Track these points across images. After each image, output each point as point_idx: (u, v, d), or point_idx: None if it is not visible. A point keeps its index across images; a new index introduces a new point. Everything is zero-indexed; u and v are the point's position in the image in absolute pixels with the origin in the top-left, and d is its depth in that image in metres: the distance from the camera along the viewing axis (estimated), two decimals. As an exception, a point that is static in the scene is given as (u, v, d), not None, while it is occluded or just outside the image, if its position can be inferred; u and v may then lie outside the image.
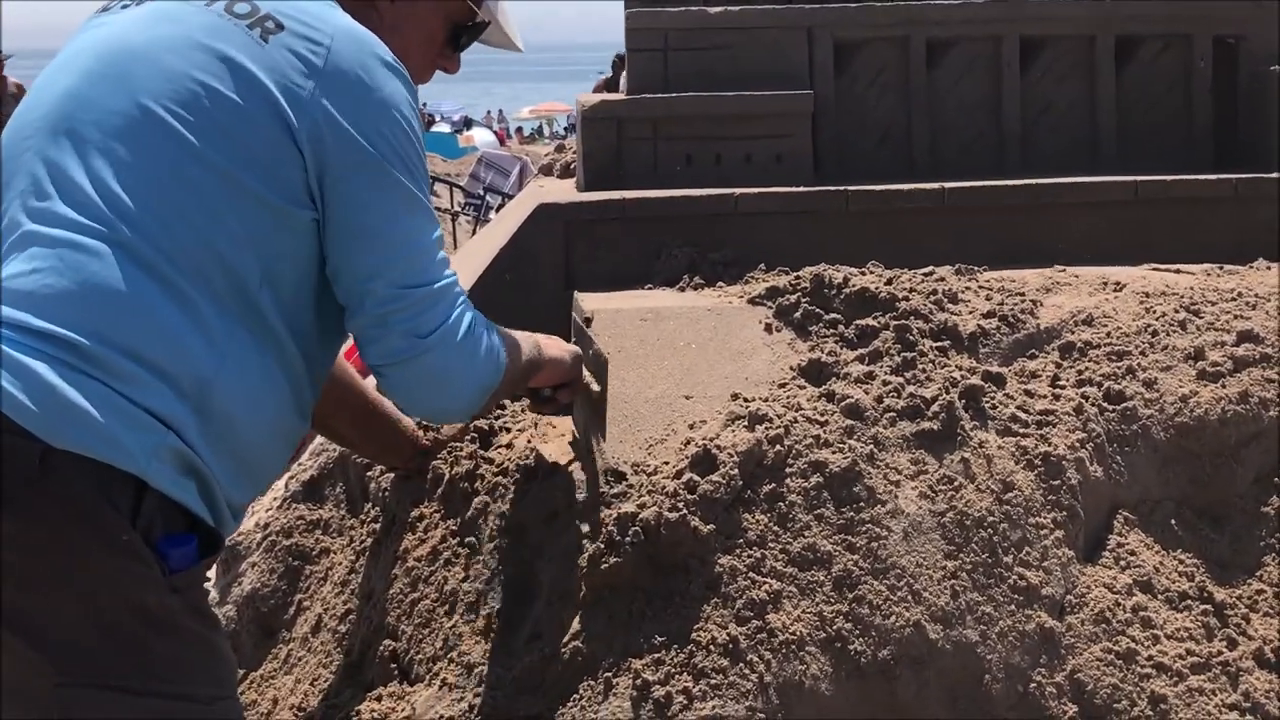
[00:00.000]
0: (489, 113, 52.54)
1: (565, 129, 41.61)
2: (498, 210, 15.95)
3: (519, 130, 47.41)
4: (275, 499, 3.60)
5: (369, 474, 3.38)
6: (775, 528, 2.76)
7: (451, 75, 2.84)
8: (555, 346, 2.94)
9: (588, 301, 3.41)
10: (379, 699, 2.95)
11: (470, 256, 4.25)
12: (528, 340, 2.78)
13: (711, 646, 2.66)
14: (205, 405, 2.19)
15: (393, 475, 3.28)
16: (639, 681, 2.62)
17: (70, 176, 2.23)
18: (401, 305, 2.37)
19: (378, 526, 3.29)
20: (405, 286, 2.38)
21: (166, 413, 2.14)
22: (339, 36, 2.36)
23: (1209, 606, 3.00)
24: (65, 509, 2.06)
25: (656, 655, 2.65)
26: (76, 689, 2.06)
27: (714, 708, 2.62)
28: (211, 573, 3.65)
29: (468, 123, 42.49)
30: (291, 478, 3.57)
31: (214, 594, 3.58)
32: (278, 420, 2.36)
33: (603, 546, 2.71)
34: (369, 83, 2.35)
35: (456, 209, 19.03)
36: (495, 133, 41.14)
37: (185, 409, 2.16)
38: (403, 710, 2.87)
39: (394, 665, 3.01)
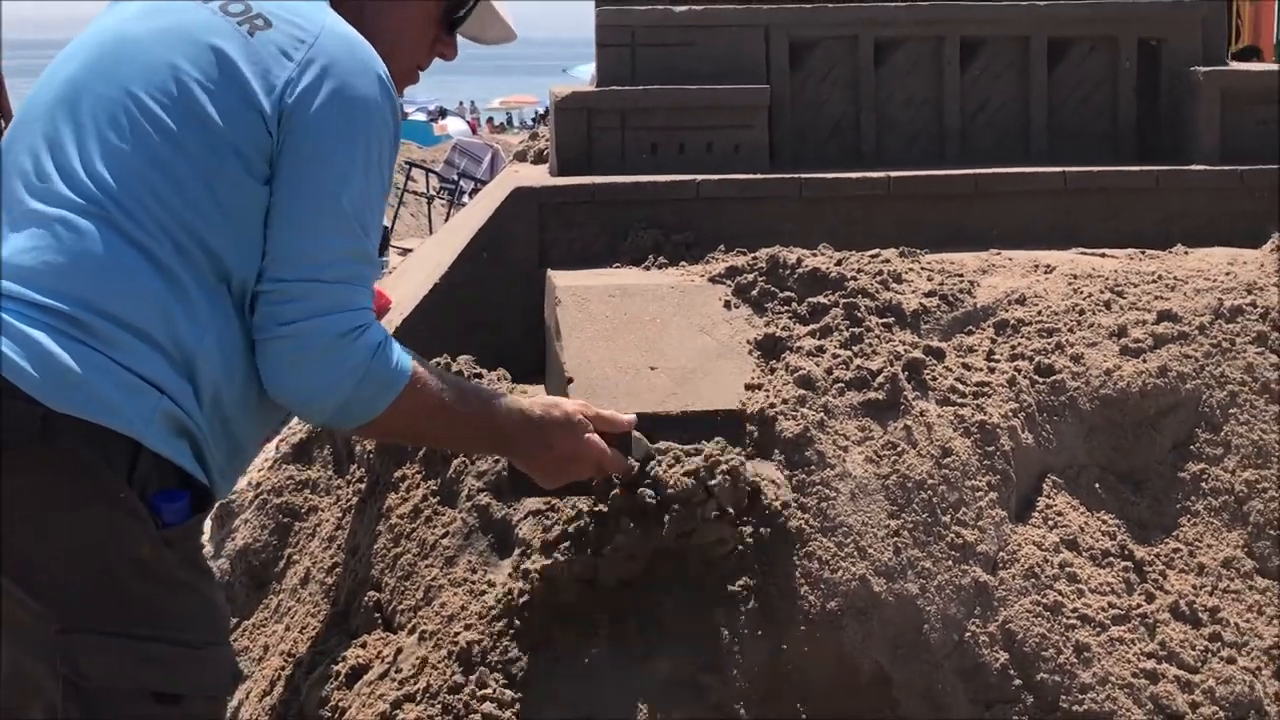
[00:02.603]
0: (461, 103, 52.22)
1: (533, 119, 41.40)
2: (471, 195, 15.90)
3: (490, 120, 47.17)
4: (266, 460, 3.59)
5: (354, 437, 3.38)
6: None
7: (450, 61, 2.71)
8: (540, 432, 2.48)
9: (560, 279, 3.42)
10: (363, 646, 2.96)
11: (449, 236, 4.25)
12: (479, 398, 2.45)
13: (668, 595, 2.68)
14: (193, 373, 2.17)
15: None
16: (608, 625, 2.64)
17: (67, 158, 2.21)
18: (271, 290, 2.22)
19: (362, 486, 3.30)
20: (281, 279, 2.22)
21: (160, 378, 2.13)
22: (324, 35, 2.29)
23: (1129, 563, 3.04)
24: (66, 468, 2.06)
25: (621, 600, 2.67)
26: (76, 634, 2.06)
27: (680, 651, 2.64)
28: (207, 529, 3.65)
29: (442, 112, 42.26)
30: (282, 440, 3.57)
31: (209, 548, 3.58)
32: (260, 396, 2.29)
33: (575, 503, 2.73)
34: (343, 82, 2.26)
35: (432, 193, 18.94)
36: (468, 122, 40.95)
37: (176, 375, 2.15)
38: (386, 655, 2.88)
39: (377, 615, 3.01)
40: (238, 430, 2.27)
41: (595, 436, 2.53)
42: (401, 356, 2.29)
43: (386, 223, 14.85)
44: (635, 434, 2.64)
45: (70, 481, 2.07)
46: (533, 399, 2.56)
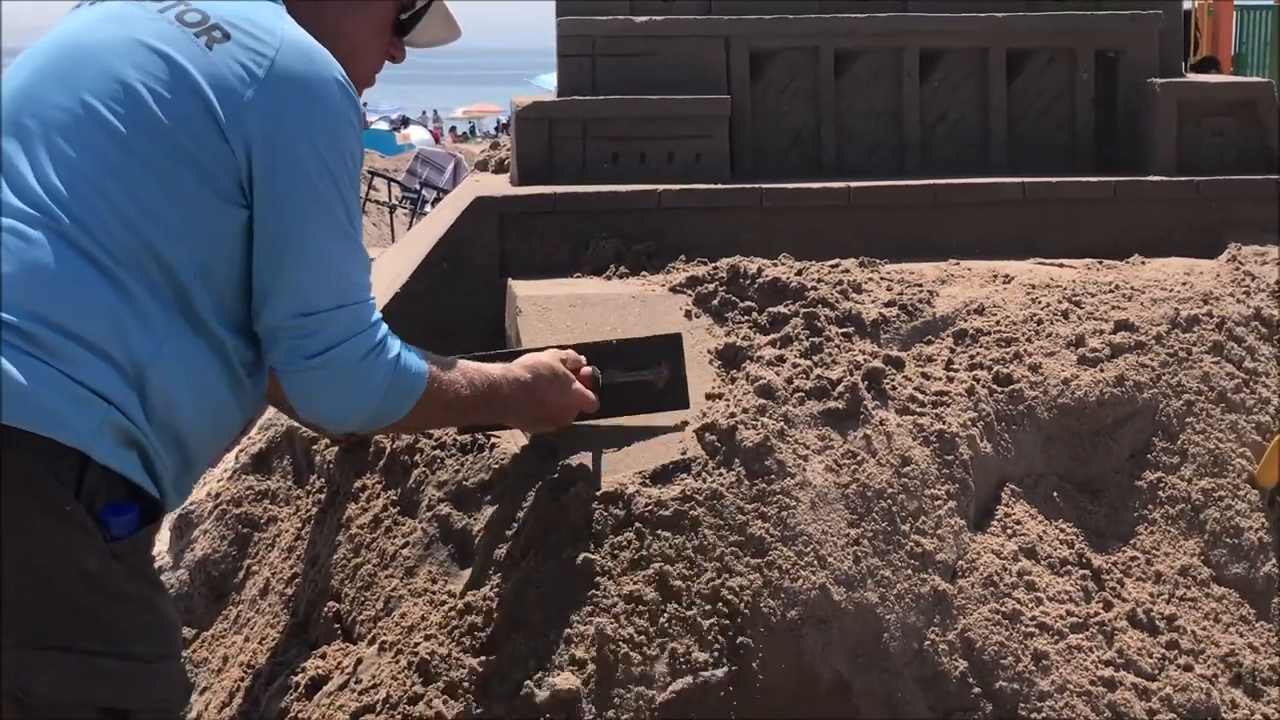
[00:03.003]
0: (424, 112, 52.17)
1: (496, 129, 41.36)
2: (433, 204, 15.86)
3: (453, 129, 47.12)
4: (226, 470, 3.57)
5: (314, 447, 3.37)
6: (698, 496, 2.79)
7: (398, 64, 2.72)
8: (525, 390, 2.68)
9: (520, 288, 3.41)
10: (323, 656, 2.95)
11: (410, 245, 4.24)
12: (482, 377, 2.59)
13: (638, 607, 2.68)
14: (144, 387, 2.15)
15: (336, 449, 3.27)
16: (571, 640, 2.63)
17: (16, 168, 2.18)
18: (292, 326, 2.28)
19: (322, 496, 3.28)
20: (301, 314, 2.28)
21: (109, 390, 2.11)
22: (284, 49, 2.28)
23: (1087, 571, 3.05)
24: (12, 481, 2.04)
25: (585, 614, 2.67)
26: (26, 650, 2.04)
27: (639, 662, 2.64)
28: (166, 540, 3.63)
29: (405, 121, 42.20)
30: (241, 450, 3.55)
31: (168, 559, 3.56)
32: (216, 410, 2.30)
33: (539, 514, 2.73)
34: (309, 97, 2.26)
35: (394, 202, 18.90)
36: (431, 131, 40.88)
37: (126, 388, 2.13)
38: (346, 666, 2.87)
39: (337, 625, 3.00)
40: (191, 444, 2.26)
41: (579, 385, 2.75)
42: (418, 362, 2.43)
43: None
44: (594, 369, 2.84)
45: (16, 495, 2.04)
46: (518, 360, 2.70)
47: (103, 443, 2.09)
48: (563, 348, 2.81)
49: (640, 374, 2.89)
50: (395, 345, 2.39)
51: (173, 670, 2.23)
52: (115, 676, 2.10)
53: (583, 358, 2.81)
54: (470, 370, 2.58)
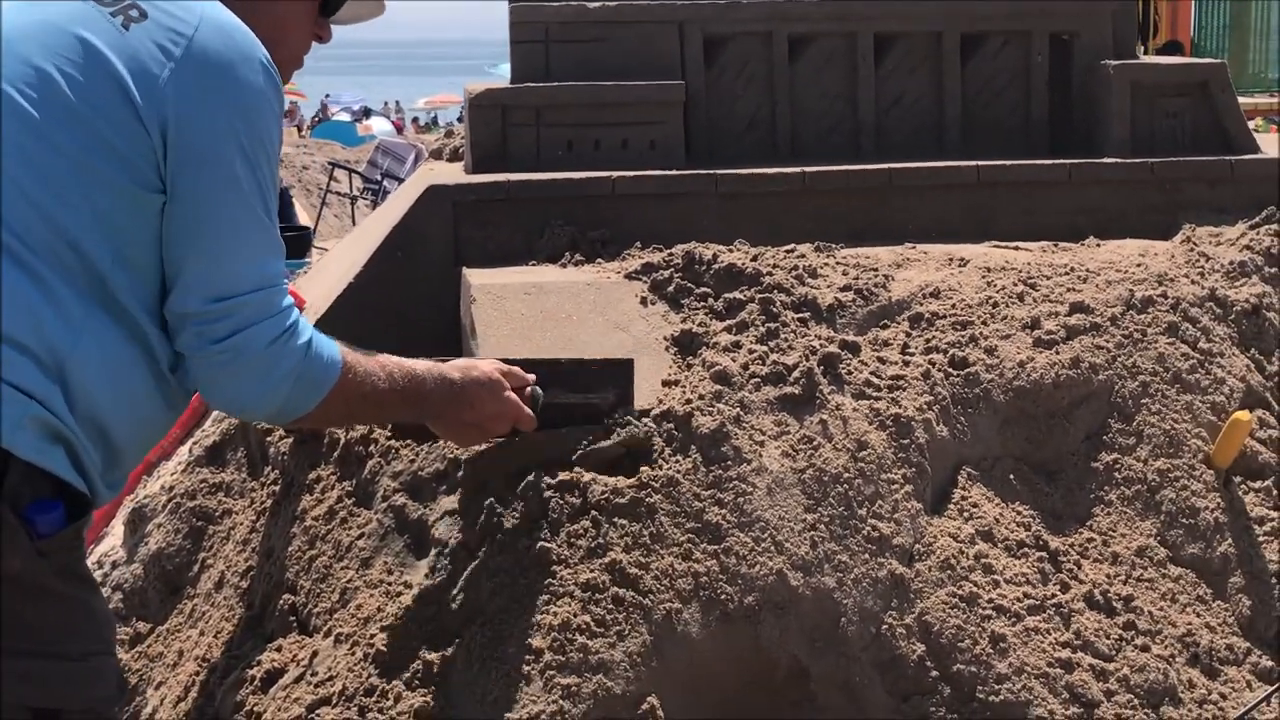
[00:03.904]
0: (386, 103, 51.94)
1: (458, 119, 41.18)
2: (394, 194, 15.77)
3: (415, 120, 46.91)
4: (179, 463, 3.54)
5: (269, 439, 3.34)
6: (654, 484, 2.77)
7: (325, 44, 2.63)
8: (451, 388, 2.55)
9: (475, 277, 3.39)
10: (279, 649, 2.92)
11: (364, 235, 4.20)
12: (404, 371, 2.48)
13: (595, 594, 2.66)
14: (65, 380, 2.11)
15: (291, 440, 3.24)
16: (528, 628, 2.62)
17: None
18: (200, 312, 2.20)
19: (277, 489, 3.25)
20: (211, 299, 2.20)
21: (30, 386, 2.06)
22: (203, 27, 2.22)
23: (1044, 554, 3.05)
24: None
25: (543, 603, 2.65)
26: None
27: (599, 648, 2.62)
28: (119, 534, 3.59)
29: (366, 112, 41.96)
30: (195, 443, 3.51)
31: (122, 553, 3.52)
32: (141, 403, 2.24)
33: (495, 504, 2.71)
34: (227, 76, 2.20)
35: (355, 194, 18.80)
36: (393, 122, 40.67)
37: (48, 382, 2.08)
38: (301, 659, 2.85)
39: (293, 618, 2.97)
40: (114, 435, 2.21)
41: (513, 394, 2.62)
42: (330, 350, 2.33)
43: (309, 223, 14.72)
44: (533, 387, 2.71)
45: None
46: (451, 362, 2.59)
47: (24, 438, 2.05)
48: (512, 362, 2.71)
49: (586, 397, 2.80)
50: (307, 333, 2.30)
51: (105, 667, 2.18)
52: (44, 676, 2.07)
53: (530, 376, 2.69)
54: (392, 364, 2.48)
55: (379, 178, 19.14)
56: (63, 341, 2.11)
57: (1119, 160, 4.00)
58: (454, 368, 2.56)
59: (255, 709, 2.83)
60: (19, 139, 2.12)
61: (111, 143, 2.15)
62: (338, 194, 18.67)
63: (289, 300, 2.28)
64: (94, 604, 2.19)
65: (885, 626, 2.83)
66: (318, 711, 2.71)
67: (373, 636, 2.74)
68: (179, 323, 2.22)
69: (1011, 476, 3.15)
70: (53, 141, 2.13)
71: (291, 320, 2.27)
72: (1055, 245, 3.72)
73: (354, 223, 16.74)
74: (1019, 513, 3.10)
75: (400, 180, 17.91)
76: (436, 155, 4.73)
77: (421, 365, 2.52)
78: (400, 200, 3.98)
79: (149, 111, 2.16)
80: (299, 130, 32.71)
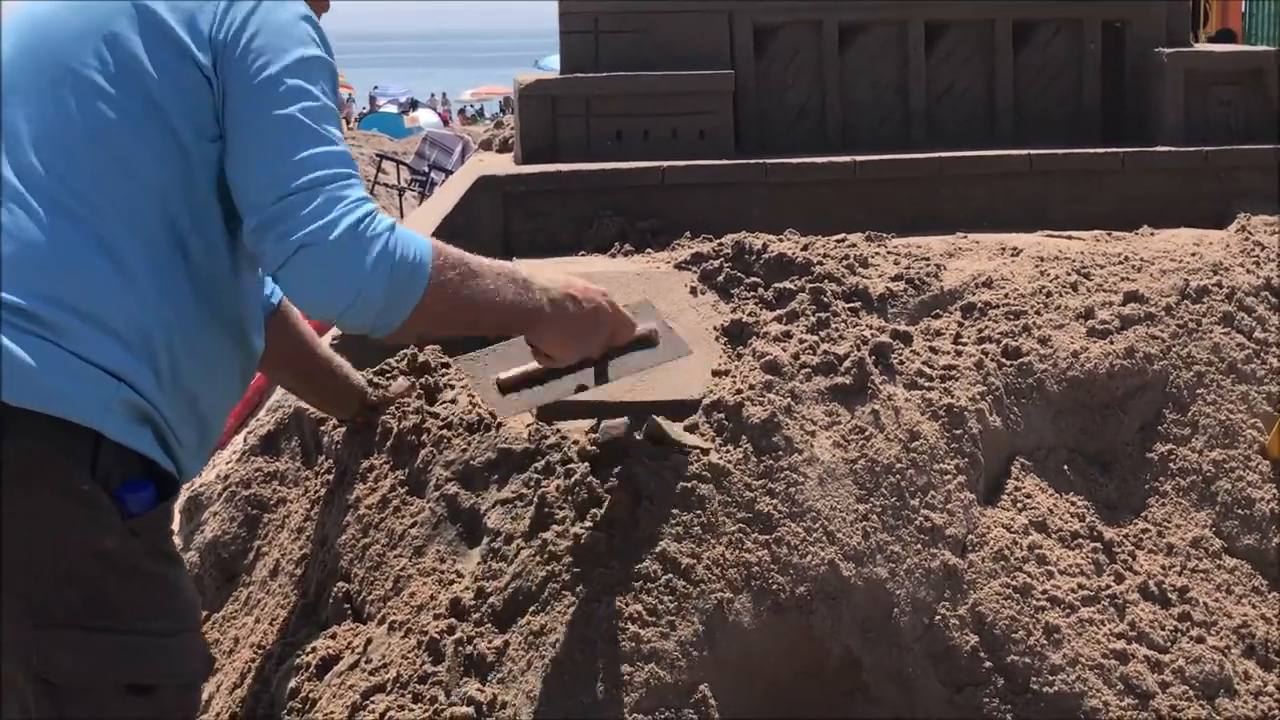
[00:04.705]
0: (433, 95, 52.08)
1: (500, 108, 41.26)
2: (442, 186, 15.80)
3: (461, 111, 47.03)
4: (234, 452, 3.56)
5: (322, 428, 3.35)
6: (706, 474, 2.77)
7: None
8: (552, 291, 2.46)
9: (525, 267, 3.39)
10: (333, 637, 2.93)
11: (414, 225, 4.21)
12: (507, 274, 2.40)
13: (647, 584, 2.66)
14: (151, 353, 2.15)
15: (344, 429, 3.25)
16: (580, 617, 2.62)
17: (6, 143, 2.17)
18: (273, 213, 2.16)
19: (331, 477, 3.27)
20: (280, 196, 2.15)
21: (116, 366, 2.11)
22: None
23: (1098, 544, 3.03)
24: (28, 464, 2.05)
25: (595, 593, 2.66)
26: (49, 631, 2.06)
27: (651, 638, 2.63)
28: (176, 522, 3.62)
29: (413, 104, 42.10)
30: (250, 432, 3.53)
31: (178, 541, 3.55)
32: (224, 355, 2.30)
33: (547, 493, 2.72)
34: (270, 8, 2.23)
35: (403, 185, 18.86)
36: (439, 114, 40.78)
37: (134, 360, 2.13)
38: (356, 646, 2.86)
39: (347, 605, 2.99)
40: (203, 403, 2.25)
41: (615, 301, 2.53)
42: (415, 235, 2.25)
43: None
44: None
45: (32, 477, 2.05)
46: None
47: (114, 420, 2.10)
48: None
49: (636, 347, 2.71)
50: (387, 220, 2.23)
51: (193, 643, 2.24)
52: (136, 653, 2.12)
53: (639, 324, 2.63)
54: (484, 258, 2.40)
55: (426, 169, 19.19)
56: (146, 316, 2.15)
57: (1173, 149, 3.97)
58: (554, 272, 2.53)
59: (310, 695, 2.84)
60: (95, 114, 2.16)
61: (176, 101, 2.18)
62: (385, 185, 18.73)
63: (363, 192, 2.22)
64: (182, 582, 2.24)
65: (938, 617, 2.82)
66: (372, 698, 2.72)
67: (426, 624, 2.75)
68: (259, 238, 2.18)
69: (1065, 467, 3.13)
70: (124, 111, 2.17)
71: (369, 208, 2.20)
72: (1108, 234, 3.69)
73: (401, 214, 16.79)
74: (1073, 503, 3.08)
75: (447, 172, 17.95)
76: (486, 146, 4.74)
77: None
78: (451, 191, 3.99)
79: (208, 61, 2.19)
80: (347, 122, 32.86)
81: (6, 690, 2.07)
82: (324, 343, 3.10)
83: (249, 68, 2.20)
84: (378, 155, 19.29)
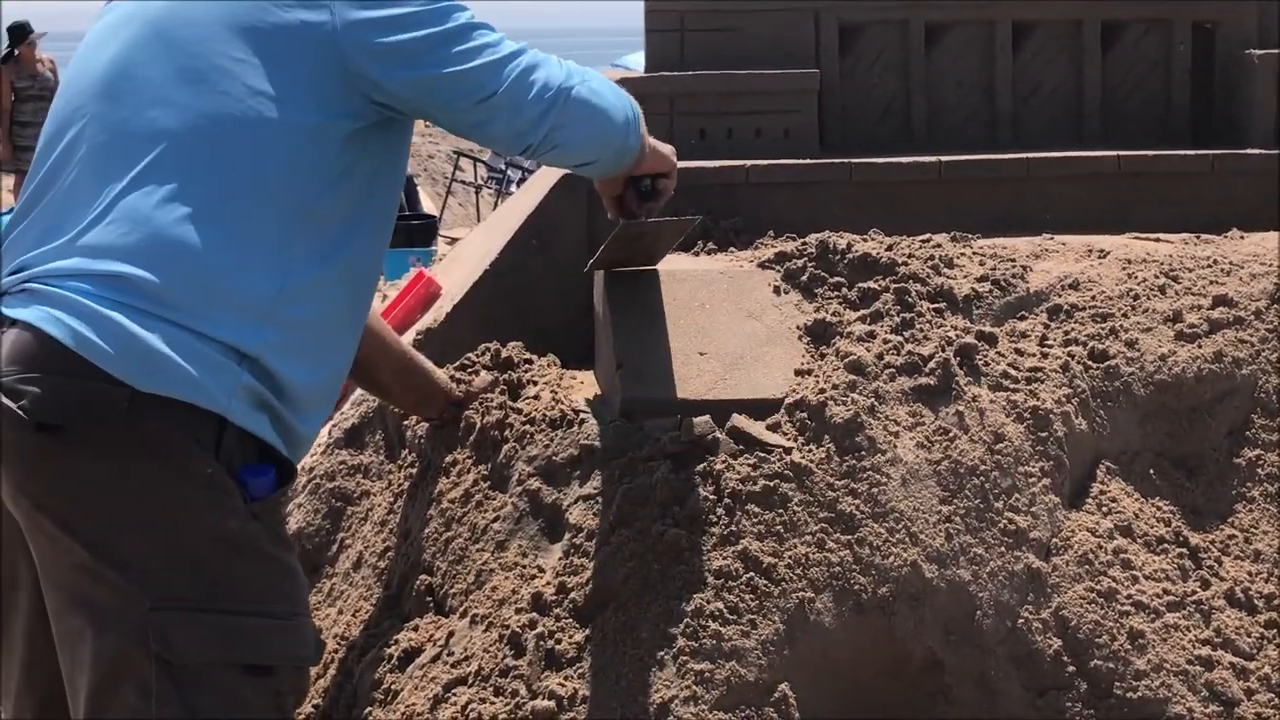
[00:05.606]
0: (510, 93, 52.17)
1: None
2: (518, 184, 15.87)
3: (537, 109, 47.13)
4: (320, 446, 3.60)
5: (406, 423, 3.39)
6: (787, 473, 2.78)
7: None
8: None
9: (609, 265, 3.40)
10: (415, 629, 2.97)
11: (498, 224, 4.24)
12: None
13: (729, 582, 2.67)
14: (277, 318, 2.21)
15: (427, 425, 3.29)
16: (661, 614, 2.64)
17: (129, 134, 2.23)
18: (491, 117, 2.43)
19: (414, 471, 3.30)
20: (486, 107, 2.41)
21: (242, 342, 2.17)
22: None
23: (1184, 550, 3.01)
24: (155, 447, 2.11)
25: (676, 589, 2.67)
26: (168, 611, 2.11)
27: (732, 636, 2.64)
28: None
29: (490, 102, 42.17)
30: (334, 426, 3.57)
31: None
32: (346, 313, 2.38)
33: (628, 490, 2.73)
34: None
35: (480, 182, 18.94)
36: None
37: (259, 331, 2.19)
38: (438, 639, 2.89)
39: (429, 598, 3.02)
40: (331, 355, 2.35)
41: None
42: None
43: (434, 212, 14.87)
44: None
45: (159, 460, 2.12)
46: None
47: (238, 405, 2.16)
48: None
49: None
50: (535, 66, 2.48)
51: (307, 626, 2.30)
52: (256, 634, 2.18)
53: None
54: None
55: (503, 167, 19.25)
56: (271, 285, 2.21)
57: (1263, 151, 3.91)
58: None
59: (393, 687, 2.88)
60: (220, 102, 2.22)
61: (302, 82, 2.25)
62: (462, 183, 18.81)
63: (511, 45, 2.45)
64: (296, 567, 2.31)
65: (1021, 620, 2.81)
66: (454, 691, 2.75)
67: (508, 618, 2.77)
68: (487, 142, 2.71)
69: (1151, 471, 3.10)
70: (254, 93, 2.23)
71: (515, 47, 2.46)
72: (1197, 237, 3.65)
73: (478, 211, 16.89)
74: (1159, 508, 3.06)
75: (524, 170, 18.01)
76: (569, 144, 4.74)
77: None
78: (534, 190, 4.01)
79: (329, 40, 2.27)
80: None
81: (121, 671, 2.11)
82: (406, 342, 3.14)
83: (381, 46, 2.30)
84: (455, 152, 19.37)
